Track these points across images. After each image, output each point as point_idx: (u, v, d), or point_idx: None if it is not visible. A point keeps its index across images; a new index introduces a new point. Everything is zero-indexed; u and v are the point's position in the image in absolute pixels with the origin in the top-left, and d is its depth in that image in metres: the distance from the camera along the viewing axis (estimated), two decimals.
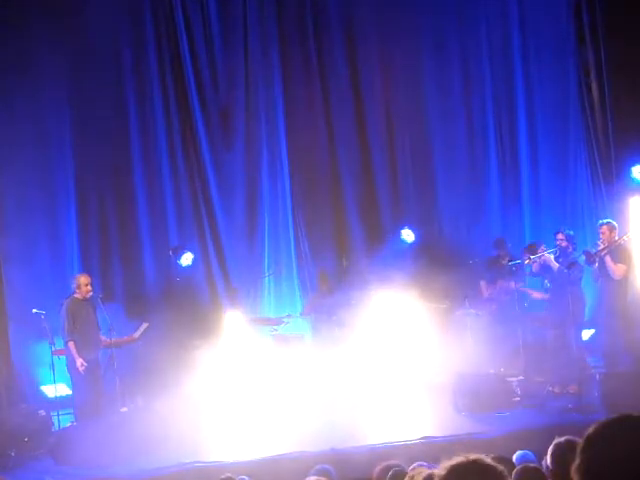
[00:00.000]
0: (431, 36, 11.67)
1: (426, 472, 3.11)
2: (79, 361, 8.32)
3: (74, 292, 8.66)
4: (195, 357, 9.72)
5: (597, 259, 8.61)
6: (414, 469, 4.09)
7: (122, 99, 11.02)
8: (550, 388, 8.69)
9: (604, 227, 8.76)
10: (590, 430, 2.01)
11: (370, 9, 11.53)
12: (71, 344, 8.41)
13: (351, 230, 11.64)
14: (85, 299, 8.65)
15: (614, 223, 8.85)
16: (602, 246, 8.65)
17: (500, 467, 2.13)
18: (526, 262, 9.27)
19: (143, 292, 10.96)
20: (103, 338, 9.27)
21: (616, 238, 8.69)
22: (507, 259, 10.19)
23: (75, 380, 8.60)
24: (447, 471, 2.11)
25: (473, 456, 2.14)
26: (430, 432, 7.39)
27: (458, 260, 10.79)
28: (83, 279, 8.72)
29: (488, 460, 2.13)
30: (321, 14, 11.54)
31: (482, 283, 10.40)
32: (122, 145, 11.02)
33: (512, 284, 9.78)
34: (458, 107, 11.72)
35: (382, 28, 11.54)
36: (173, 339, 10.02)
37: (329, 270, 11.15)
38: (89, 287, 8.70)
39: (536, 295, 9.52)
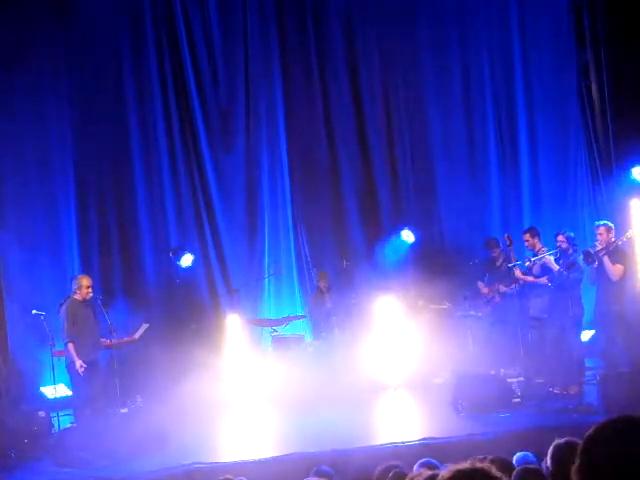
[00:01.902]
0: (431, 37, 11.67)
1: (427, 474, 3.11)
2: (78, 362, 8.31)
3: (74, 293, 8.64)
4: (195, 358, 9.73)
5: (596, 259, 8.61)
6: (420, 471, 4.07)
7: (122, 100, 11.02)
8: (550, 389, 8.69)
9: (601, 228, 8.76)
10: (590, 431, 2.01)
11: (370, 11, 11.53)
12: (70, 345, 8.40)
13: (351, 231, 11.64)
14: (84, 300, 8.63)
15: (611, 224, 8.85)
16: (600, 247, 8.66)
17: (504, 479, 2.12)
18: (527, 264, 9.27)
19: (143, 293, 10.96)
20: (103, 339, 9.27)
21: (613, 239, 8.69)
22: (501, 260, 10.21)
23: (74, 381, 8.59)
24: (450, 475, 2.11)
25: (479, 465, 2.14)
26: (430, 433, 7.38)
27: (458, 261, 10.80)
28: (85, 281, 8.70)
29: (493, 470, 2.12)
30: (321, 15, 11.55)
31: (480, 284, 10.40)
32: (122, 146, 11.03)
33: (509, 287, 9.78)
34: (458, 108, 11.72)
35: (382, 28, 11.54)
36: (173, 340, 10.03)
37: (328, 270, 11.16)
38: (90, 289, 8.67)
39: (538, 280, 9.41)
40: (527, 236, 9.51)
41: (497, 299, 10.05)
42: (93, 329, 8.73)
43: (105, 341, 9.09)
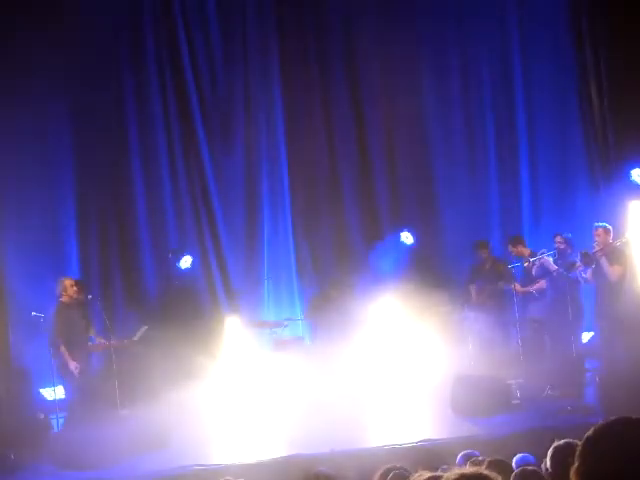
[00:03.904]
0: (431, 42, 11.68)
1: (427, 475, 3.11)
2: (73, 364, 8.36)
3: (60, 296, 8.70)
4: (195, 359, 9.73)
5: (594, 260, 8.62)
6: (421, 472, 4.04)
7: (122, 103, 11.03)
8: (549, 391, 8.69)
9: (599, 230, 8.77)
10: (589, 433, 2.01)
11: (370, 16, 11.54)
12: (63, 348, 8.44)
13: (351, 233, 11.64)
14: (72, 303, 8.70)
15: (609, 226, 8.86)
16: (597, 248, 8.67)
17: None
18: (525, 264, 9.28)
19: (142, 295, 10.96)
20: (103, 341, 9.33)
21: (611, 241, 8.70)
22: (490, 263, 10.24)
23: (66, 383, 8.64)
24: (455, 478, 2.12)
25: (485, 472, 2.15)
26: (430, 435, 7.38)
27: (457, 263, 10.80)
28: (67, 282, 8.79)
29: (493, 476, 2.13)
30: (321, 21, 11.56)
31: (472, 288, 10.41)
32: (122, 150, 11.04)
33: (499, 287, 9.83)
34: (457, 111, 11.73)
35: (382, 34, 11.54)
36: (172, 342, 10.03)
37: (327, 271, 11.17)
38: (75, 287, 8.75)
39: (530, 289, 9.44)
40: (510, 247, 9.60)
41: (488, 303, 10.05)
42: (81, 332, 8.81)
43: (104, 343, 9.16)
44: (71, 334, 8.51)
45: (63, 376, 8.61)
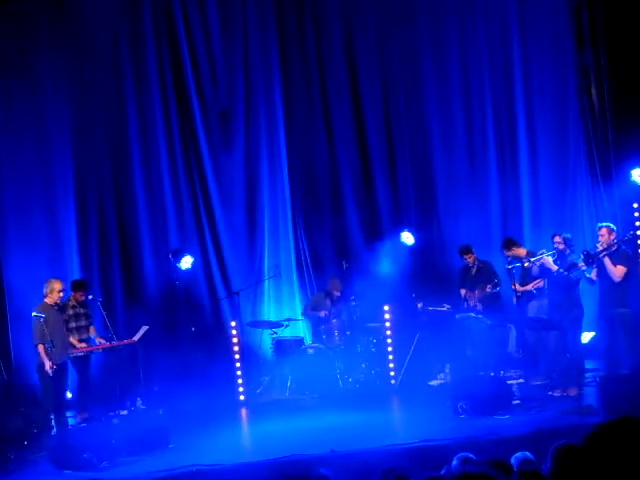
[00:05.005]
0: (430, 40, 11.67)
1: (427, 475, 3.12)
2: (48, 364, 8.40)
3: (45, 296, 8.73)
4: (195, 360, 9.74)
5: (596, 260, 8.62)
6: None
7: (122, 101, 11.04)
8: (550, 392, 8.69)
9: (603, 230, 8.77)
10: (590, 433, 2.01)
11: (369, 12, 11.54)
12: (40, 347, 8.49)
13: (351, 233, 11.65)
14: (55, 304, 8.74)
15: (613, 226, 8.87)
16: (600, 248, 8.67)
17: None
18: (525, 265, 9.26)
19: (143, 295, 10.97)
20: (103, 341, 9.34)
21: (615, 241, 8.70)
22: (475, 268, 10.24)
23: (44, 384, 8.68)
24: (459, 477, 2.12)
25: (485, 471, 2.15)
26: (430, 435, 7.38)
27: (458, 263, 10.79)
28: (57, 285, 8.81)
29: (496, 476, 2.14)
30: (320, 17, 11.56)
31: (463, 291, 10.41)
32: (122, 148, 11.06)
33: (487, 292, 9.86)
34: (458, 111, 11.72)
35: (381, 31, 11.55)
36: (172, 342, 10.04)
37: (327, 272, 11.18)
38: (61, 294, 8.83)
39: (529, 287, 9.44)
40: (505, 252, 9.56)
41: (479, 307, 10.06)
42: (62, 333, 8.85)
43: (105, 343, 9.19)
44: (52, 335, 8.52)
45: (40, 376, 8.64)
